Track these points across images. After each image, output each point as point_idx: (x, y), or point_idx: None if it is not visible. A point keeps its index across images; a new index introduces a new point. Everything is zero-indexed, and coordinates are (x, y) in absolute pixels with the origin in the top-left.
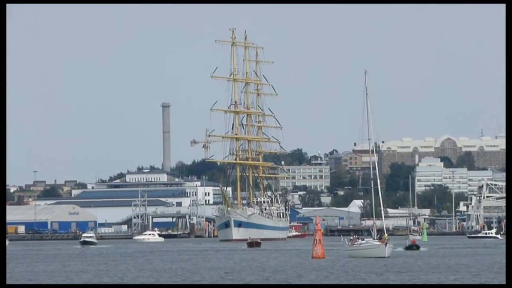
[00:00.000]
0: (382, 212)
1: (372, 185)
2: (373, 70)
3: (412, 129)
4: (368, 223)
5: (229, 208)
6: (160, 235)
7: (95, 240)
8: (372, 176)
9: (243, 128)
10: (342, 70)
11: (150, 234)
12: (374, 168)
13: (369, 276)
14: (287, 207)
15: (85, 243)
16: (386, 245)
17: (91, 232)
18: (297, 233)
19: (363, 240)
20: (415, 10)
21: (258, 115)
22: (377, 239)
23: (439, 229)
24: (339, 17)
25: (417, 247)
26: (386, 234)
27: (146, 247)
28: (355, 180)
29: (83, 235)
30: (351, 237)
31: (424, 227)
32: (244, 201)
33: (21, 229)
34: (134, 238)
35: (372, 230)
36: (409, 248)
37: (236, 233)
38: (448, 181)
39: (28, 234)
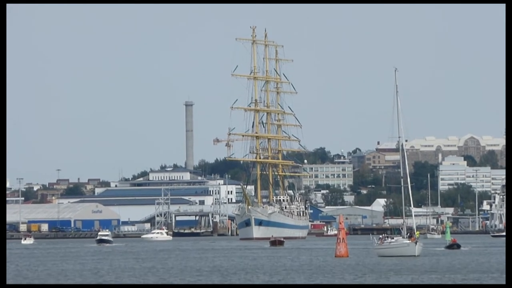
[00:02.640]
0: (412, 210)
1: (402, 184)
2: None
3: (436, 128)
4: (391, 221)
5: (249, 207)
6: (183, 234)
7: (110, 239)
8: (402, 174)
9: (263, 127)
10: (363, 68)
11: (158, 233)
12: (403, 166)
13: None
14: (306, 206)
15: (101, 241)
16: (416, 243)
17: (107, 230)
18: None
19: (393, 238)
20: (436, 8)
21: (278, 114)
22: (407, 237)
23: (462, 228)
24: (359, 16)
25: (458, 246)
26: (418, 232)
27: (153, 245)
28: (379, 178)
29: (99, 233)
30: (381, 236)
31: (448, 226)
32: (264, 200)
33: (44, 227)
34: (142, 236)
35: (401, 228)
36: (450, 247)
37: (257, 231)
38: (472, 180)
39: (52, 232)
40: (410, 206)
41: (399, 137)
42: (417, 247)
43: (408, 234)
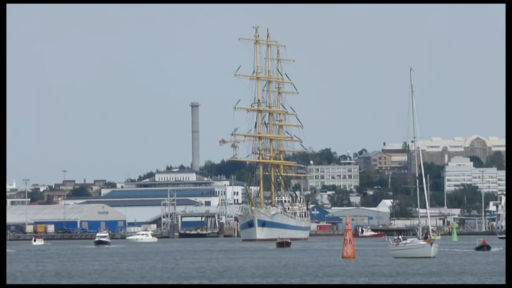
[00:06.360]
0: (428, 211)
1: (418, 184)
2: (400, 70)
3: (442, 129)
4: (397, 222)
5: (253, 208)
6: (189, 235)
7: (109, 240)
8: (417, 175)
9: (266, 127)
10: (367, 68)
11: (143, 234)
12: (418, 166)
13: None
14: (308, 207)
15: (99, 242)
16: (431, 245)
17: (105, 232)
18: (373, 233)
19: (407, 239)
20: (437, 9)
21: (280, 114)
22: (422, 238)
23: (468, 229)
24: (362, 15)
25: (488, 248)
26: (433, 235)
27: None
28: (385, 179)
29: (97, 234)
30: (395, 237)
31: (454, 226)
32: (266, 201)
33: (51, 228)
34: (127, 238)
35: (417, 229)
36: (479, 248)
37: (260, 232)
38: (478, 181)
39: (58, 233)
40: (426, 207)
41: (414, 137)
42: (432, 248)
43: (424, 235)
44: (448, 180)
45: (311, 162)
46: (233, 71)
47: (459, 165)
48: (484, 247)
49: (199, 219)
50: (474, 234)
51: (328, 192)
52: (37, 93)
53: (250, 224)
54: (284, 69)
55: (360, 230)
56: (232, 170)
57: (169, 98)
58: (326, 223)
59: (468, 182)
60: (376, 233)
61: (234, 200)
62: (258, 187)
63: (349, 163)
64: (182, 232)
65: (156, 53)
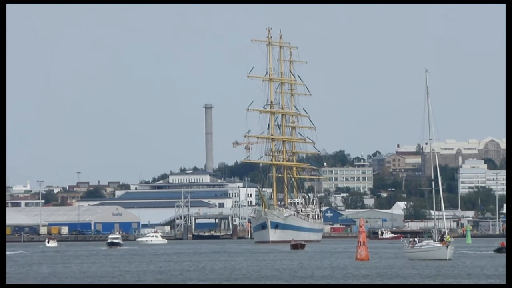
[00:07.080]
0: (444, 213)
1: (434, 186)
2: (414, 71)
3: (456, 131)
4: (411, 225)
5: (266, 209)
6: (202, 236)
7: (121, 242)
8: (432, 177)
9: (279, 129)
10: (380, 69)
11: (153, 236)
12: (434, 169)
13: None
14: (321, 209)
15: (112, 244)
16: (447, 247)
17: (118, 233)
18: (393, 235)
19: (422, 242)
20: (445, 9)
21: (292, 116)
22: (438, 241)
23: (482, 231)
24: (374, 16)
25: None
26: (448, 236)
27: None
28: (398, 182)
29: (109, 236)
30: (411, 239)
31: (468, 229)
32: (279, 203)
33: (65, 230)
34: (137, 240)
35: (432, 231)
36: (499, 250)
37: (273, 234)
38: (492, 183)
39: (72, 235)
40: (441, 209)
41: (429, 139)
42: (448, 251)
43: (439, 237)
44: (462, 182)
45: (325, 164)
46: (246, 73)
47: (473, 167)
48: (503, 250)
49: (212, 221)
50: (488, 237)
51: (342, 194)
52: (51, 95)
53: (263, 226)
54: (297, 70)
55: (380, 232)
56: (245, 172)
57: (183, 100)
58: (340, 225)
59: (482, 184)
60: (396, 235)
61: (248, 202)
62: (271, 189)
63: (363, 165)
64: (196, 234)
65: (169, 55)
